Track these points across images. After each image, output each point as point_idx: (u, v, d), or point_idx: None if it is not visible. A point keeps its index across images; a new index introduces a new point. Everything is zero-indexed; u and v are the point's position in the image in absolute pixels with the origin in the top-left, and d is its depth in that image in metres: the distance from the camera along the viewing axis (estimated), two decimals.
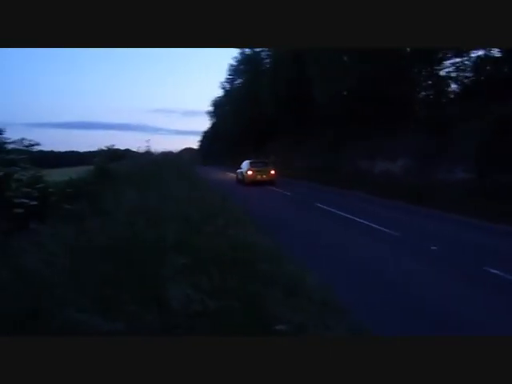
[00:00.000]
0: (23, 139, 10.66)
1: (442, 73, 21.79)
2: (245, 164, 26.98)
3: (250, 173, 25.38)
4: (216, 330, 3.05)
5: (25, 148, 10.72)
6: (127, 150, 35.07)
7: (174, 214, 6.29)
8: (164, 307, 3.18)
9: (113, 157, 29.38)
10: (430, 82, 22.89)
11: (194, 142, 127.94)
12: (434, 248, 9.11)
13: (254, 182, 24.70)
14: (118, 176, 16.30)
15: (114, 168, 18.76)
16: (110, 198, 8.99)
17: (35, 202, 9.20)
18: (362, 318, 4.87)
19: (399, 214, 14.88)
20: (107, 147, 31.31)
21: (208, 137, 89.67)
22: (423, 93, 23.89)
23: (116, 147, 33.22)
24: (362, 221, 12.49)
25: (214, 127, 79.31)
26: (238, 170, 28.16)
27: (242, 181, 26.29)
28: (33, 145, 10.87)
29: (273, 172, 25.41)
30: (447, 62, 21.04)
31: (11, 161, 9.77)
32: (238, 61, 56.94)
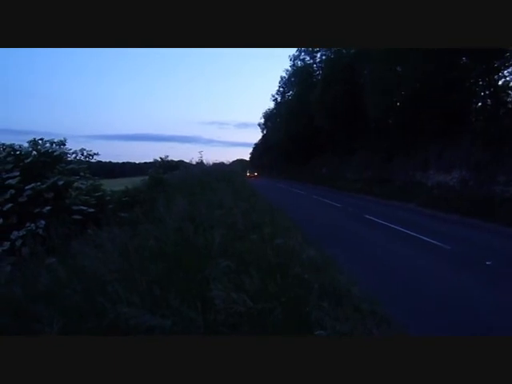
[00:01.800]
0: (83, 149, 11.25)
1: (500, 82, 21.06)
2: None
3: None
4: (257, 331, 3.14)
5: (84, 158, 11.29)
6: (181, 161, 35.89)
7: (220, 222, 6.44)
8: (208, 306, 3.30)
9: (167, 167, 30.26)
10: (487, 92, 22.15)
11: (245, 154, 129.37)
12: (489, 263, 8.81)
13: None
14: (170, 185, 16.75)
15: (168, 178, 19.29)
16: (162, 205, 9.28)
17: (92, 210, 9.65)
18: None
19: (450, 227, 14.48)
20: (161, 158, 32.35)
21: (259, 148, 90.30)
22: (480, 103, 23.14)
23: (170, 158, 34.22)
24: (412, 233, 12.23)
25: (264, 139, 79.83)
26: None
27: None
28: (91, 155, 11.42)
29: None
30: (506, 72, 20.32)
31: (71, 170, 10.33)
32: (290, 73, 57.29)
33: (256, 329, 3.25)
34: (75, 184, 10.05)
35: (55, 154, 10.15)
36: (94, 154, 11.28)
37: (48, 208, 9.00)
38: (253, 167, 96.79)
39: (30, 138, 10.51)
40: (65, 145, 10.68)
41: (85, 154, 11.19)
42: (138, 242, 5.56)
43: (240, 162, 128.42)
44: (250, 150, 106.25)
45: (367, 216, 16.24)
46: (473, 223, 14.78)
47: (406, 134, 24.95)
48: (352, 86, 31.62)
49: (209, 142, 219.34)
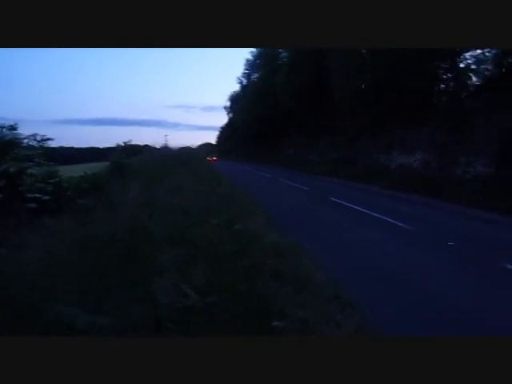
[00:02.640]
0: (35, 134, 10.69)
1: (462, 65, 21.33)
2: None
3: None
4: (208, 326, 2.96)
5: (37, 144, 10.73)
6: (146, 146, 35.31)
7: (178, 207, 6.19)
8: (152, 301, 3.08)
9: (130, 152, 29.63)
10: (449, 75, 22.43)
11: (212, 137, 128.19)
12: (451, 244, 8.88)
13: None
14: (132, 170, 16.35)
15: (129, 163, 18.84)
16: (118, 191, 8.98)
17: (48, 197, 9.21)
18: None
19: (413, 208, 14.68)
20: (124, 143, 31.63)
21: (225, 132, 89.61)
22: (443, 86, 23.41)
23: (133, 143, 33.54)
24: (376, 215, 12.26)
25: (230, 122, 79.19)
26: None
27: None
28: (45, 140, 10.89)
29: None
30: (467, 54, 20.56)
31: (25, 156, 9.80)
32: (255, 55, 56.79)
33: (205, 324, 3.07)
34: (29, 171, 9.55)
35: (6, 139, 9.59)
36: (48, 139, 10.75)
37: None
38: (219, 151, 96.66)
39: None
40: (16, 129, 10.10)
41: (38, 139, 10.67)
42: (89, 231, 5.27)
43: (206, 145, 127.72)
44: (217, 133, 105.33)
45: (332, 198, 16.25)
46: (434, 204, 15.00)
47: (371, 116, 25.08)
48: (319, 69, 31.50)
49: (175, 125, 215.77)
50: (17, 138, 10.14)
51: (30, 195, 8.74)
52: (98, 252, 4.05)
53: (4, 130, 10.05)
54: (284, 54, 46.06)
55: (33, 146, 10.56)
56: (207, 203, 7.27)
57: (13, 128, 10.05)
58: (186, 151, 40.41)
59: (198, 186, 9.22)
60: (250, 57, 59.73)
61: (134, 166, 17.81)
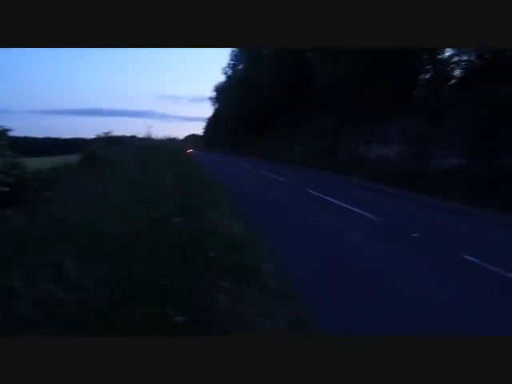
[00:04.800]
0: None
1: (442, 57, 21.30)
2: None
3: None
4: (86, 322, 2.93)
5: None
6: (131, 137, 35.16)
7: (133, 199, 6.11)
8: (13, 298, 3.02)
9: (111, 143, 29.38)
10: (430, 66, 22.44)
11: (200, 129, 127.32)
12: (415, 235, 8.93)
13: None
14: (105, 162, 16.20)
15: (103, 154, 18.66)
16: (86, 184, 8.88)
17: (7, 189, 9.06)
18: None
19: (387, 200, 14.77)
20: (105, 133, 31.34)
21: (211, 123, 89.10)
22: (423, 76, 23.41)
23: (116, 133, 33.23)
24: (348, 207, 12.29)
25: (216, 113, 78.72)
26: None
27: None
28: (6, 130, 10.65)
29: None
30: None
31: None
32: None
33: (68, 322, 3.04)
34: None
35: None
36: (7, 129, 10.51)
37: None
38: (205, 142, 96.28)
39: None
40: None
41: None
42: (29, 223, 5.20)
43: (193, 137, 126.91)
44: (204, 124, 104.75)
45: (308, 190, 16.25)
46: (408, 196, 15.11)
47: (352, 108, 25.05)
48: (300, 58, 31.40)
49: (163, 116, 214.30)
50: None
51: None
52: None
53: None
54: None
55: None
56: (163, 195, 7.19)
57: None
58: (168, 143, 40.20)
59: (163, 178, 9.12)
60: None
61: (108, 158, 17.65)
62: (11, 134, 11.03)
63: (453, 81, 21.02)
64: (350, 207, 12.19)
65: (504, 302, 5.46)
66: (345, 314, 4.87)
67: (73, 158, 19.52)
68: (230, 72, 64.50)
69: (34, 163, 13.23)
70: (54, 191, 9.97)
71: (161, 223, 4.93)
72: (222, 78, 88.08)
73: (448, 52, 20.70)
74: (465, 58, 19.66)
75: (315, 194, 15.35)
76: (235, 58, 60.70)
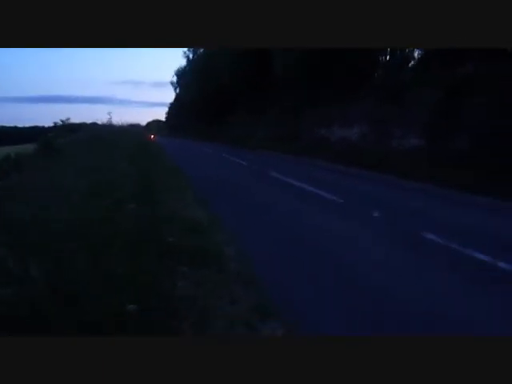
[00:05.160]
0: None
1: None
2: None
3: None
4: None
5: None
6: (82, 124, 34.12)
7: (84, 188, 5.84)
8: None
9: (68, 130, 28.46)
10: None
11: (163, 114, 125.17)
12: (376, 215, 8.99)
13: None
14: (63, 150, 15.65)
15: (62, 142, 18.05)
16: (38, 173, 8.51)
17: None
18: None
19: (349, 181, 14.89)
20: (62, 121, 30.31)
21: (173, 108, 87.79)
22: (383, 58, 23.63)
23: (73, 121, 32.22)
24: (310, 188, 12.29)
25: (178, 98, 77.54)
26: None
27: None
28: None
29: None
30: None
31: None
32: None
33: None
34: None
35: None
36: None
37: None
38: (168, 127, 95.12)
39: None
40: None
41: None
42: None
43: (156, 122, 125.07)
44: (167, 109, 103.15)
45: (271, 173, 16.17)
46: (370, 176, 15.27)
47: (314, 90, 25.03)
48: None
49: (123, 102, 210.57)
50: None
51: None
52: None
53: None
54: None
55: None
56: (121, 181, 6.95)
57: None
58: (129, 129, 39.31)
59: (121, 165, 8.82)
60: None
61: (65, 145, 17.07)
62: None
63: (412, 62, 21.30)
64: (311, 189, 12.17)
65: (459, 278, 5.51)
66: (306, 296, 4.81)
67: (29, 147, 18.83)
68: (191, 56, 63.50)
69: None
70: (1, 181, 9.54)
71: (115, 210, 4.70)
72: (183, 62, 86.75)
73: None
74: None
75: (277, 176, 15.28)
76: None
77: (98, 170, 8.83)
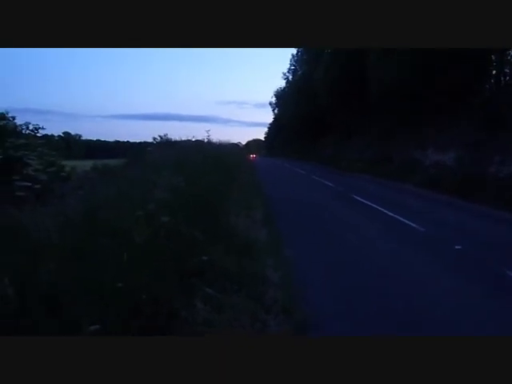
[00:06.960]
0: (27, 123, 10.72)
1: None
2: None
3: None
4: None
5: (31, 132, 10.80)
6: (180, 141, 35.60)
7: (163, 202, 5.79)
8: None
9: (166, 146, 29.97)
10: (494, 72, 21.01)
11: (262, 134, 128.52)
12: (458, 247, 8.12)
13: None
14: (150, 164, 16.29)
15: (153, 157, 18.86)
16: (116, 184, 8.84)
17: (38, 186, 9.21)
18: None
19: (436, 208, 13.78)
20: (161, 136, 32.03)
21: (272, 128, 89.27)
22: (486, 78, 21.95)
23: (171, 137, 33.83)
24: (390, 214, 11.52)
25: (276, 119, 78.71)
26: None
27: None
28: (37, 129, 10.92)
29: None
30: None
31: (22, 145, 9.83)
32: (301, 50, 55.82)
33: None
34: (24, 160, 9.55)
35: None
36: (39, 127, 10.76)
37: None
38: (266, 148, 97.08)
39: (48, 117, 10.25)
40: (4, 118, 10.07)
41: (30, 127, 10.71)
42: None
43: (255, 142, 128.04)
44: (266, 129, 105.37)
45: (355, 196, 15.54)
46: (461, 205, 14.02)
47: (409, 112, 23.91)
48: (355, 62, 30.47)
49: (227, 121, 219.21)
50: (10, 126, 10.14)
51: (18, 183, 8.71)
52: None
53: None
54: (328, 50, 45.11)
55: (25, 135, 10.60)
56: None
57: (2, 117, 10.02)
58: (227, 147, 40.44)
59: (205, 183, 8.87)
60: (295, 51, 59.01)
61: (155, 160, 17.79)
62: (84, 137, 11.47)
63: None
64: (393, 215, 11.41)
65: None
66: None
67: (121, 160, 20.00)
68: (290, 77, 64.27)
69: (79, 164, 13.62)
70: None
71: (150, 222, 4.60)
72: (282, 83, 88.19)
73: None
74: None
75: (360, 199, 14.67)
76: (295, 63, 60.38)
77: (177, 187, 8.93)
